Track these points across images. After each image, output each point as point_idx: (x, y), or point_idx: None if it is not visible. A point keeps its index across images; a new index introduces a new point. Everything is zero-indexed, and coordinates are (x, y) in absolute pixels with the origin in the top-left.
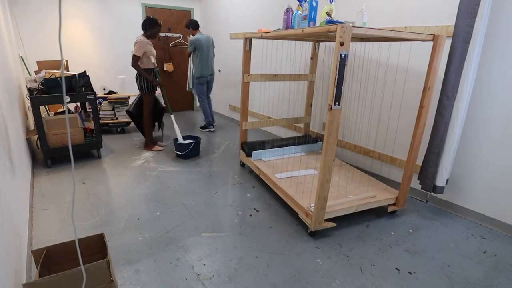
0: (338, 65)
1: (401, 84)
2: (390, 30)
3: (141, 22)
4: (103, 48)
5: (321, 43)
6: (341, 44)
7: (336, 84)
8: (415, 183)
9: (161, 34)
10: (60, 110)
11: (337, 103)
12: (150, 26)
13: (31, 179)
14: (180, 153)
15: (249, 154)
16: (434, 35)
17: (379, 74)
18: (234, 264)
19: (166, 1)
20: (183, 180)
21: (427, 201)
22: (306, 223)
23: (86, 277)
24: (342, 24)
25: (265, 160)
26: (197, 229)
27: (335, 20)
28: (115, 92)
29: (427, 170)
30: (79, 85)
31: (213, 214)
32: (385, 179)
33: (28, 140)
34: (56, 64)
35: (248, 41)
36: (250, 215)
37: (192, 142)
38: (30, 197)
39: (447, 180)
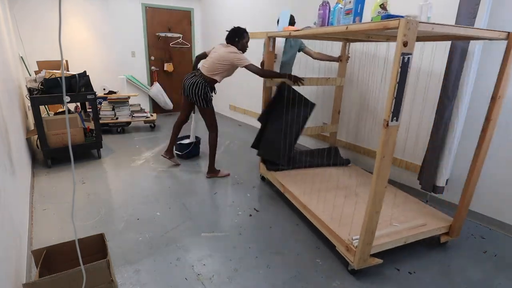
0: (399, 71)
1: (423, 86)
2: (459, 27)
3: (140, 21)
4: (103, 48)
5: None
6: (405, 44)
7: (395, 95)
8: (415, 183)
9: (161, 34)
10: (60, 110)
11: (395, 118)
12: (240, 37)
13: (31, 179)
14: (180, 153)
15: (271, 168)
16: (509, 33)
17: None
18: (234, 264)
19: (166, 1)
20: (183, 180)
21: (427, 201)
22: (346, 259)
23: (86, 277)
24: (408, 18)
25: (289, 176)
26: (197, 229)
27: (391, 14)
28: (115, 92)
29: (427, 170)
30: (79, 85)
31: (213, 214)
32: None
33: (28, 140)
34: (56, 64)
35: (271, 40)
36: (250, 215)
37: (192, 142)
38: (30, 197)
39: (447, 180)
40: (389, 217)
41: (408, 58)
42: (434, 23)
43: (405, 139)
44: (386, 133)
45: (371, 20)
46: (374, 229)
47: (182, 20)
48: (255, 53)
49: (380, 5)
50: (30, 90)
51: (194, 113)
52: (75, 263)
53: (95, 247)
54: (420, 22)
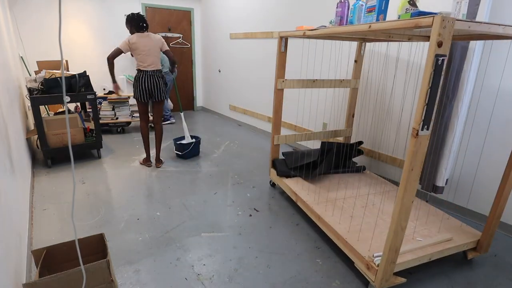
0: (432, 74)
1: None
2: (498, 25)
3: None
4: (103, 48)
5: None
6: (439, 44)
7: (427, 101)
8: None
9: (161, 34)
10: (60, 110)
11: (426, 126)
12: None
13: (31, 179)
14: (180, 153)
15: (282, 174)
16: None
17: (411, 76)
18: (234, 264)
19: (166, 1)
20: (183, 180)
21: (427, 201)
22: (367, 277)
23: (86, 277)
24: (443, 16)
25: (303, 183)
26: (197, 229)
27: (422, 11)
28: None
29: (427, 170)
30: (79, 85)
31: (213, 214)
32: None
33: (28, 140)
34: (56, 64)
35: (283, 40)
36: (250, 215)
37: (192, 142)
38: (30, 197)
39: (447, 180)
40: (412, 231)
41: (443, 60)
42: (471, 21)
43: (405, 138)
44: (416, 143)
45: (398, 17)
46: (398, 247)
47: (182, 20)
48: (254, 52)
49: (408, 2)
50: (30, 90)
51: (181, 112)
52: (75, 263)
53: (95, 247)
54: (456, 20)
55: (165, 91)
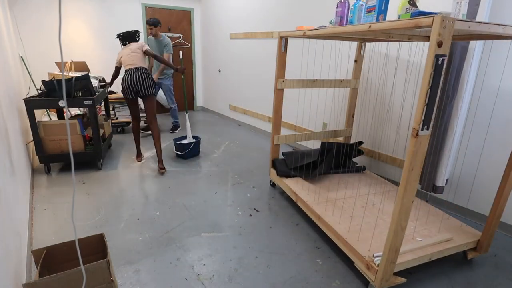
0: (432, 74)
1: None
2: (498, 25)
3: (140, 22)
4: (103, 48)
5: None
6: (439, 44)
7: (427, 101)
8: None
9: (161, 34)
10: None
11: (426, 126)
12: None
13: (31, 179)
14: (180, 153)
15: (282, 174)
16: None
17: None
18: (234, 264)
19: (166, 1)
20: (183, 180)
21: (427, 201)
22: (367, 277)
23: (86, 277)
24: (443, 16)
25: (303, 183)
26: (197, 229)
27: (422, 11)
28: (115, 92)
29: (427, 170)
30: (75, 89)
31: (213, 214)
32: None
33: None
34: (80, 65)
35: (283, 40)
36: (250, 215)
37: (192, 142)
38: (30, 197)
39: (447, 180)
40: (412, 231)
41: (443, 60)
42: (471, 21)
43: (405, 138)
44: (416, 143)
45: (398, 17)
46: (398, 247)
47: (182, 20)
48: (254, 52)
49: (408, 2)
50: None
51: (187, 112)
52: (75, 263)
53: (95, 247)
54: (456, 20)
55: (153, 86)
